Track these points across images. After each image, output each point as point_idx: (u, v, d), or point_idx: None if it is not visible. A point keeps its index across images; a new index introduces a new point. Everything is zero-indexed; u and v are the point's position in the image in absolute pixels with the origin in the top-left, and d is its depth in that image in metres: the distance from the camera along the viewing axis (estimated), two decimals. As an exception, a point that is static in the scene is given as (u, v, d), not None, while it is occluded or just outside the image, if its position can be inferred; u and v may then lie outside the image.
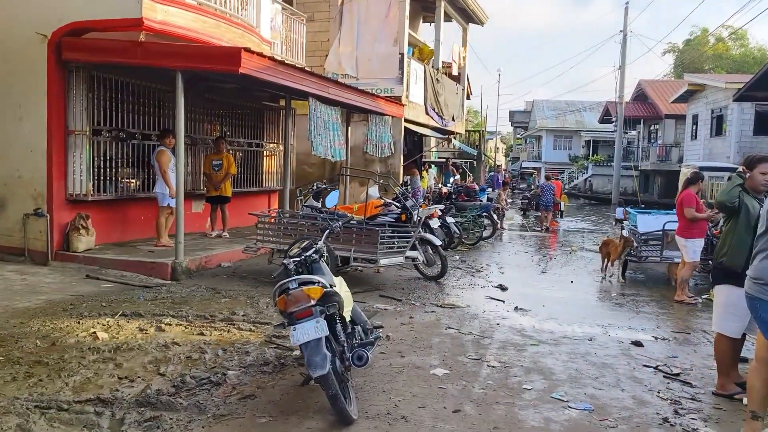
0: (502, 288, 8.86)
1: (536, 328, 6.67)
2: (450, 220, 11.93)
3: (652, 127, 38.32)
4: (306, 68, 11.68)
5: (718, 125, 26.58)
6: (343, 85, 11.48)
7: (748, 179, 4.81)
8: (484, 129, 37.67)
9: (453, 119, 19.98)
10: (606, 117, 40.71)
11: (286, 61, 10.88)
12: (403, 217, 9.15)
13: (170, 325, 5.88)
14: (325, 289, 3.92)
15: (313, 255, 4.30)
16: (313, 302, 3.84)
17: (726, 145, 25.28)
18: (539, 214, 21.41)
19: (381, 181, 12.22)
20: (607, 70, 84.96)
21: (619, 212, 19.61)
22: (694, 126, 29.59)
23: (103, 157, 9.18)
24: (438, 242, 9.22)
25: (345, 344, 4.12)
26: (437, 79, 18.10)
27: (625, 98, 34.26)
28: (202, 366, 4.82)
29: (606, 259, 10.41)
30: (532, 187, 28.98)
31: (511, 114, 69.18)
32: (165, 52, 8.15)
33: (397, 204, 9.62)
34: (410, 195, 10.81)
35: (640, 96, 37.62)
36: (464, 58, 21.75)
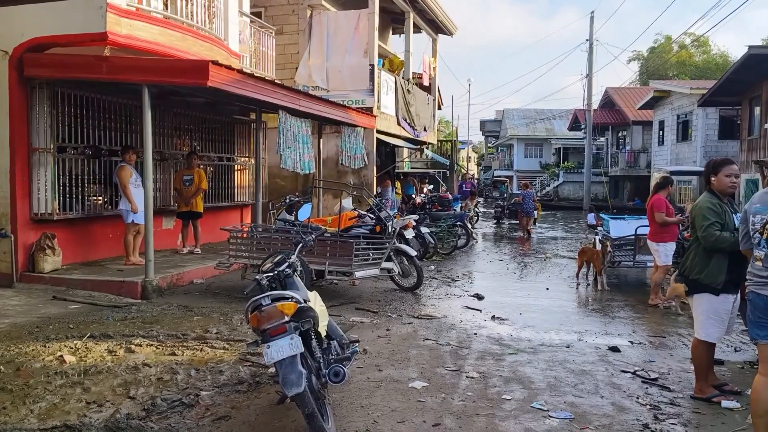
0: (479, 297, 8.84)
1: (514, 337, 6.65)
2: (424, 230, 11.89)
3: (620, 134, 38.93)
4: (276, 81, 11.59)
5: (684, 130, 27.10)
6: (313, 97, 11.41)
7: (714, 183, 4.85)
8: (455, 139, 37.82)
9: (425, 129, 20.02)
10: (575, 124, 41.25)
11: (255, 74, 10.78)
12: (378, 228, 9.09)
13: (140, 345, 5.71)
14: (299, 305, 3.82)
15: (287, 269, 4.21)
16: (286, 318, 3.73)
17: (692, 150, 25.77)
18: (514, 221, 21.56)
19: (354, 192, 12.16)
20: (575, 78, 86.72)
21: (591, 218, 19.82)
22: (661, 132, 30.13)
23: (68, 175, 8.95)
24: (413, 253, 9.14)
25: (321, 360, 4.02)
26: (408, 90, 18.13)
27: (593, 105, 34.73)
28: (173, 387, 4.68)
29: (582, 267, 10.48)
30: (505, 195, 29.18)
31: (482, 123, 69.66)
32: (131, 66, 8.02)
33: (372, 215, 9.55)
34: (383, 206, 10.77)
35: (608, 103, 38.26)
36: (434, 68, 21.86)
